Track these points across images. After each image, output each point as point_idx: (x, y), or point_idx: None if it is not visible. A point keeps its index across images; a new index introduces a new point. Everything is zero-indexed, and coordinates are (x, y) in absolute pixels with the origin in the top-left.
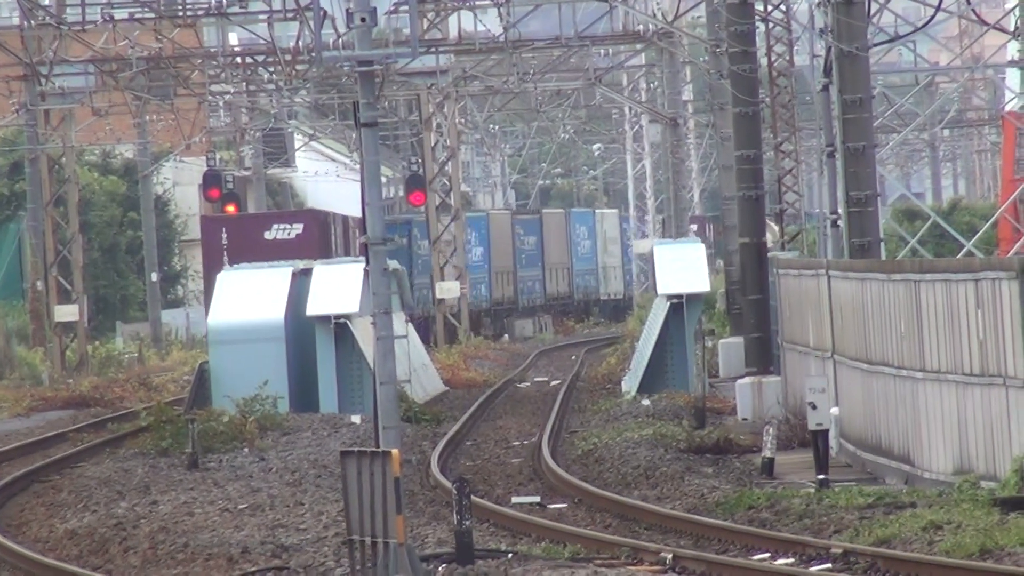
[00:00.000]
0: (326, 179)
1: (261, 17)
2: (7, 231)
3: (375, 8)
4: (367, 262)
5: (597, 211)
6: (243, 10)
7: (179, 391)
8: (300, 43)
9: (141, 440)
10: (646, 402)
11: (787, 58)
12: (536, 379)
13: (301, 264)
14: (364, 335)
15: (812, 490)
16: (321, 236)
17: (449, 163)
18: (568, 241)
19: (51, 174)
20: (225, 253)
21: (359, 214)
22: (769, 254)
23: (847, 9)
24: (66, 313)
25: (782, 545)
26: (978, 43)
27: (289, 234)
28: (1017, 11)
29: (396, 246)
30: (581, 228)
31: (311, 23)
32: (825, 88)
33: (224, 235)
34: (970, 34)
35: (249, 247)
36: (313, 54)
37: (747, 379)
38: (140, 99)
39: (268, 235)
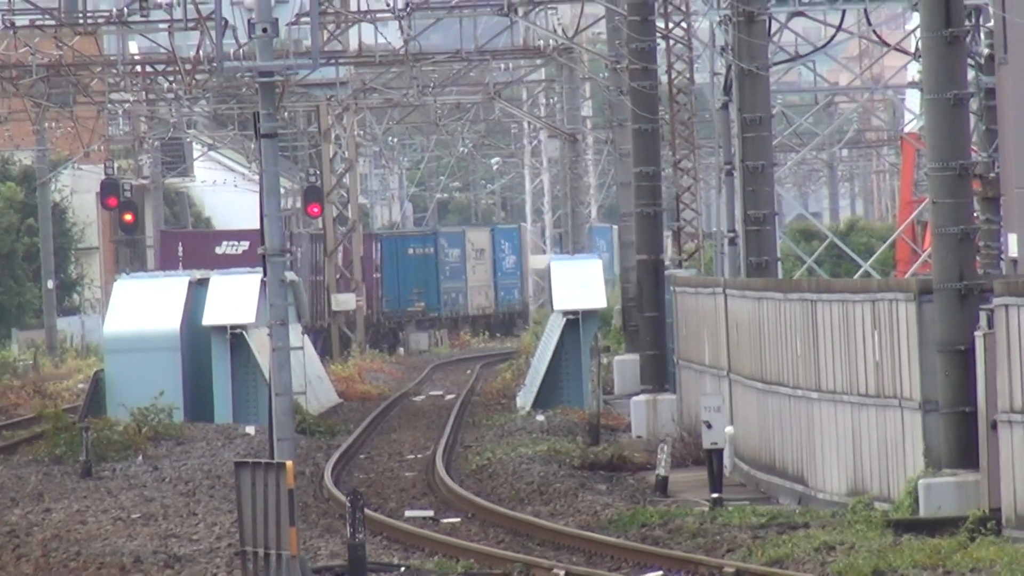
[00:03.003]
0: (224, 189)
1: (162, 26)
2: None
3: (277, 19)
4: (264, 273)
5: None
6: (144, 19)
7: (74, 399)
8: (201, 52)
9: (35, 447)
10: (540, 418)
11: (687, 75)
12: (431, 393)
13: (198, 274)
14: (260, 346)
15: (706, 509)
16: (311, 254)
17: (347, 175)
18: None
19: None
20: (180, 264)
21: (257, 225)
22: (666, 271)
23: (748, 28)
24: None
25: (675, 563)
26: (878, 64)
27: (237, 249)
28: (917, 32)
29: (422, 255)
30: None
31: (212, 33)
32: (725, 106)
33: (180, 248)
34: (870, 55)
35: (202, 260)
36: (214, 64)
37: (642, 396)
38: (39, 106)
39: (219, 250)
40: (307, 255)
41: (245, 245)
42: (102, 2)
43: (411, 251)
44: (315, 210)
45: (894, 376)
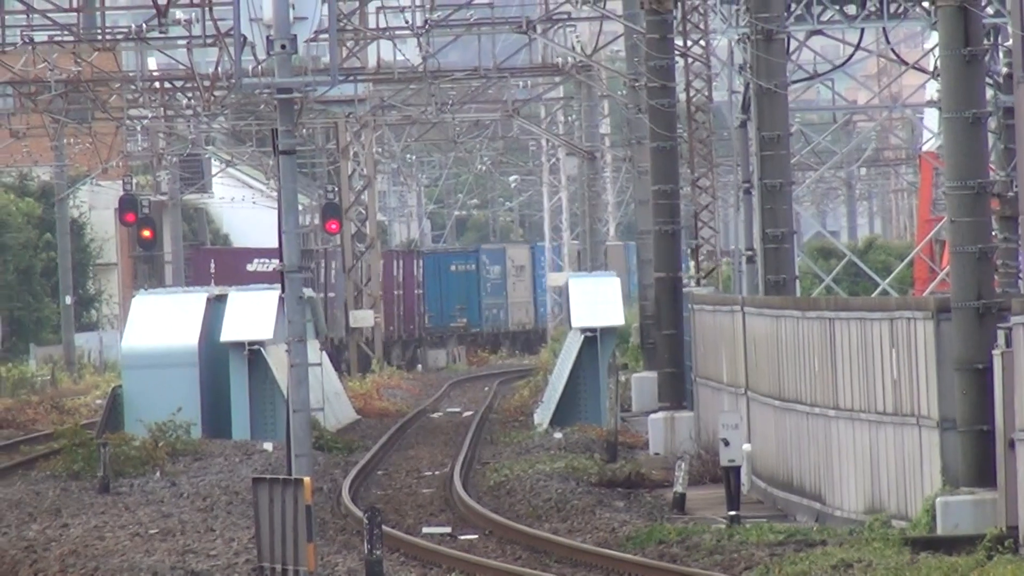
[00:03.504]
0: (242, 206)
1: (180, 42)
2: None
3: (295, 36)
4: (283, 289)
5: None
6: (162, 35)
7: (92, 414)
8: (219, 69)
9: (53, 463)
10: (558, 435)
11: (706, 94)
12: (449, 410)
13: (216, 290)
14: (278, 362)
15: (723, 526)
16: (329, 271)
17: (365, 192)
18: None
19: None
20: (212, 281)
21: (275, 243)
22: (684, 289)
23: (766, 46)
24: None
25: None
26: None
27: (268, 267)
28: (936, 51)
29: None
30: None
31: (231, 49)
32: (743, 124)
33: (212, 265)
34: (889, 73)
35: (233, 277)
36: (232, 80)
37: (660, 414)
38: (58, 122)
39: (250, 267)
40: (340, 271)
41: (276, 262)
42: (121, 18)
43: (453, 268)
44: (333, 227)
45: (912, 394)
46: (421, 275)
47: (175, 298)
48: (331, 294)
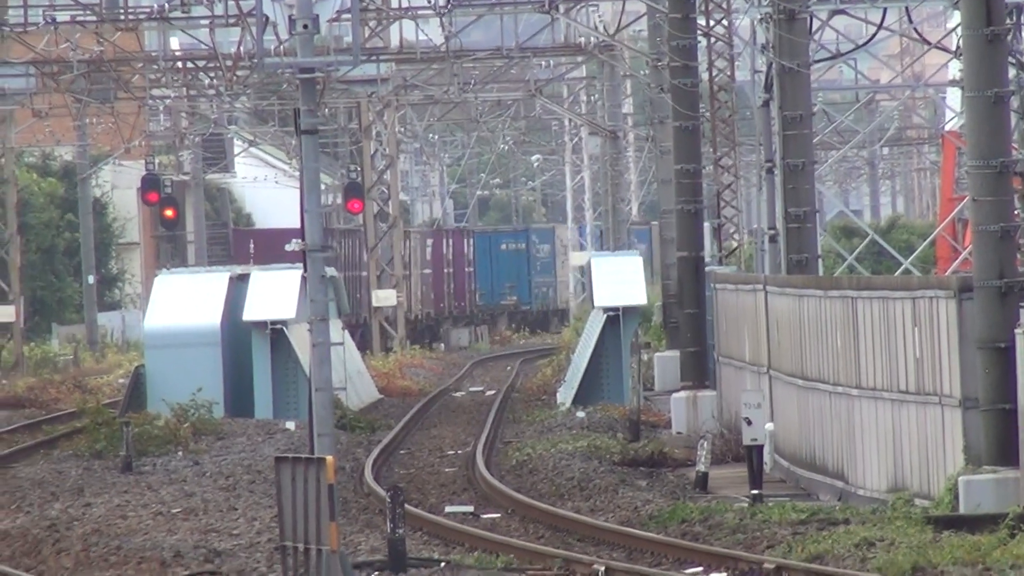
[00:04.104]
0: (264, 185)
1: (203, 22)
2: None
3: (317, 15)
4: (305, 269)
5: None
6: (185, 15)
7: (114, 394)
8: (241, 49)
9: (75, 442)
10: (581, 414)
11: (728, 73)
12: (471, 389)
13: (239, 269)
14: (300, 341)
15: (746, 505)
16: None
17: (388, 172)
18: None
19: None
20: (252, 261)
21: (297, 222)
22: (706, 268)
23: (789, 25)
24: (2, 314)
25: (715, 559)
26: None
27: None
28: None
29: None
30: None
31: (253, 29)
32: (766, 104)
33: (252, 246)
34: (911, 53)
35: (272, 257)
36: (254, 60)
37: (682, 393)
38: (80, 102)
39: (288, 247)
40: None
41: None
42: None
43: (504, 247)
44: (356, 206)
45: (934, 373)
46: (472, 254)
47: (197, 277)
48: (363, 273)
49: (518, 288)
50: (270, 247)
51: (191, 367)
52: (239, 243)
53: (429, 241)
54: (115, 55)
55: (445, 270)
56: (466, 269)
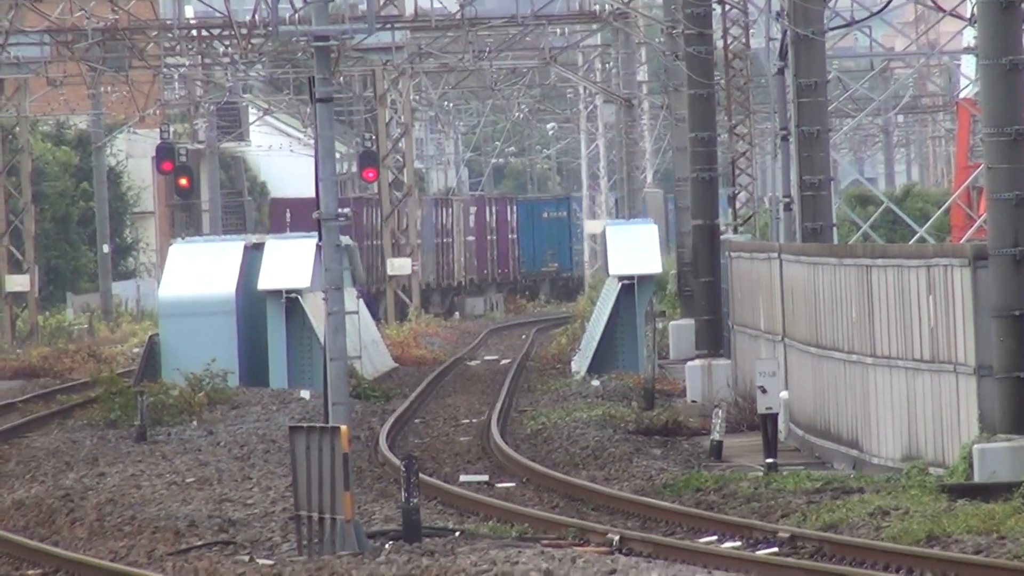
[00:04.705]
0: (280, 154)
1: None
2: None
3: None
4: (319, 237)
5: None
6: None
7: (129, 363)
8: (256, 17)
9: (90, 412)
10: (596, 383)
11: (743, 41)
12: (486, 358)
13: (254, 238)
14: (315, 310)
15: (760, 474)
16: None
17: (403, 140)
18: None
19: (4, 144)
20: (288, 230)
21: (312, 191)
22: (722, 236)
23: None
24: (17, 283)
25: (729, 528)
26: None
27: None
28: None
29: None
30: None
31: None
32: (780, 71)
33: (288, 215)
34: (926, 20)
35: (308, 226)
36: (269, 28)
37: (697, 361)
38: (95, 70)
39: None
40: (428, 218)
41: (347, 211)
42: None
43: (545, 215)
44: (370, 175)
45: (949, 341)
46: (515, 221)
47: (212, 246)
48: (418, 241)
49: (559, 255)
50: (305, 216)
51: (206, 336)
52: (276, 211)
53: (473, 209)
54: (129, 23)
55: (488, 237)
56: (509, 236)
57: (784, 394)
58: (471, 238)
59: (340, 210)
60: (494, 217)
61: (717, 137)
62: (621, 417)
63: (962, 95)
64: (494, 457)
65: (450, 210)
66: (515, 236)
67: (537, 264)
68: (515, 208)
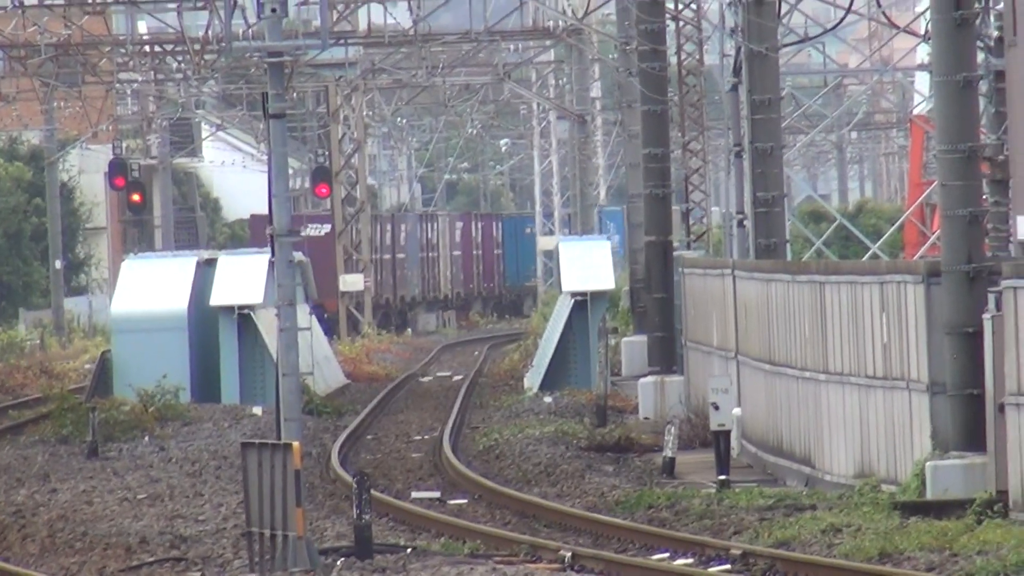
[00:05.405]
0: (232, 170)
1: (171, 5)
2: None
3: None
4: (272, 253)
5: None
6: None
7: (81, 379)
8: (209, 32)
9: (41, 428)
10: (548, 399)
11: (697, 57)
12: (439, 374)
13: (206, 254)
14: (267, 326)
15: (713, 490)
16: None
17: (356, 156)
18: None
19: None
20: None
21: (266, 206)
22: (675, 253)
23: (757, 9)
24: None
25: (681, 545)
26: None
27: (320, 232)
28: (927, 14)
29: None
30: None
31: (221, 12)
32: (734, 88)
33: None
34: (880, 37)
35: (309, 241)
36: (223, 44)
37: (650, 378)
38: (48, 85)
39: (303, 232)
40: (413, 233)
41: (327, 227)
42: None
43: (528, 230)
44: (323, 191)
45: (902, 358)
46: (500, 237)
47: (165, 262)
48: (400, 255)
49: None
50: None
51: (158, 352)
52: (256, 227)
53: (459, 224)
54: (83, 39)
55: (474, 252)
56: (495, 251)
57: (737, 411)
58: (457, 253)
59: (321, 227)
60: (480, 233)
61: (670, 153)
62: (573, 434)
63: (915, 112)
64: (446, 473)
65: (436, 225)
66: (500, 251)
67: (521, 279)
68: (500, 224)
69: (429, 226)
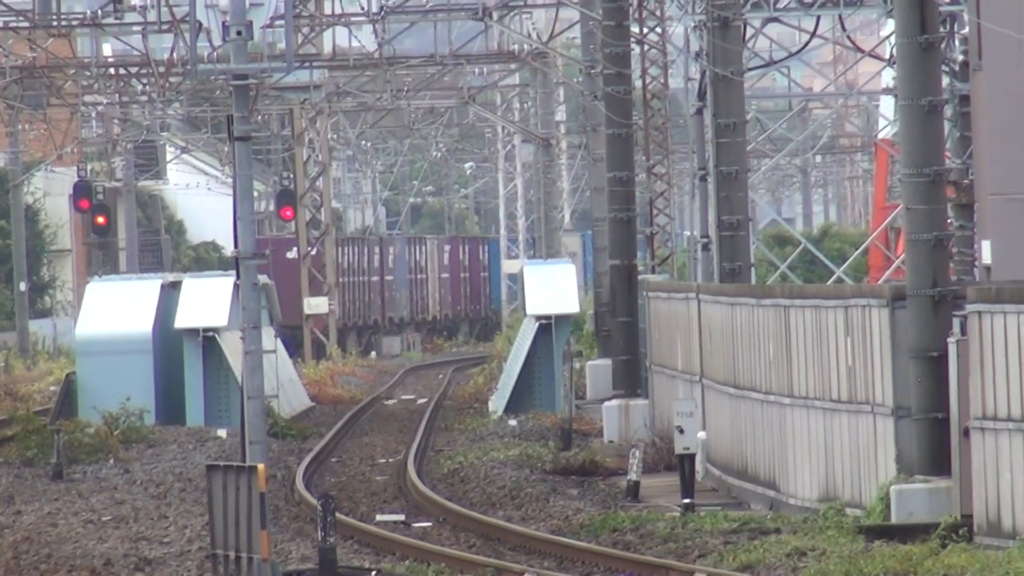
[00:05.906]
0: (197, 192)
1: (136, 28)
2: None
3: (251, 22)
4: (237, 276)
5: None
6: (118, 21)
7: (46, 401)
8: (175, 55)
9: (6, 450)
10: (513, 422)
11: (661, 81)
12: (403, 397)
13: (171, 277)
14: (232, 349)
15: (677, 514)
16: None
17: (320, 179)
18: None
19: None
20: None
21: (231, 229)
22: (639, 276)
23: (722, 33)
24: None
25: (646, 568)
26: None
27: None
28: (892, 39)
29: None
30: None
31: (186, 35)
32: (699, 112)
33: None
34: (845, 61)
35: (275, 263)
36: (188, 66)
37: (614, 401)
38: (13, 108)
39: (289, 255)
40: (401, 255)
41: (312, 251)
42: (76, 4)
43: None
44: (288, 213)
45: (867, 382)
46: (487, 260)
47: (129, 285)
48: (389, 277)
49: None
50: (273, 255)
51: (123, 374)
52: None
53: (447, 247)
54: (48, 61)
55: (462, 275)
56: (481, 274)
57: (701, 434)
58: (445, 275)
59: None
60: (467, 255)
61: (635, 177)
62: (538, 457)
63: (880, 135)
64: (411, 496)
65: (424, 248)
66: (487, 274)
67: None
68: (487, 248)
69: (418, 249)
